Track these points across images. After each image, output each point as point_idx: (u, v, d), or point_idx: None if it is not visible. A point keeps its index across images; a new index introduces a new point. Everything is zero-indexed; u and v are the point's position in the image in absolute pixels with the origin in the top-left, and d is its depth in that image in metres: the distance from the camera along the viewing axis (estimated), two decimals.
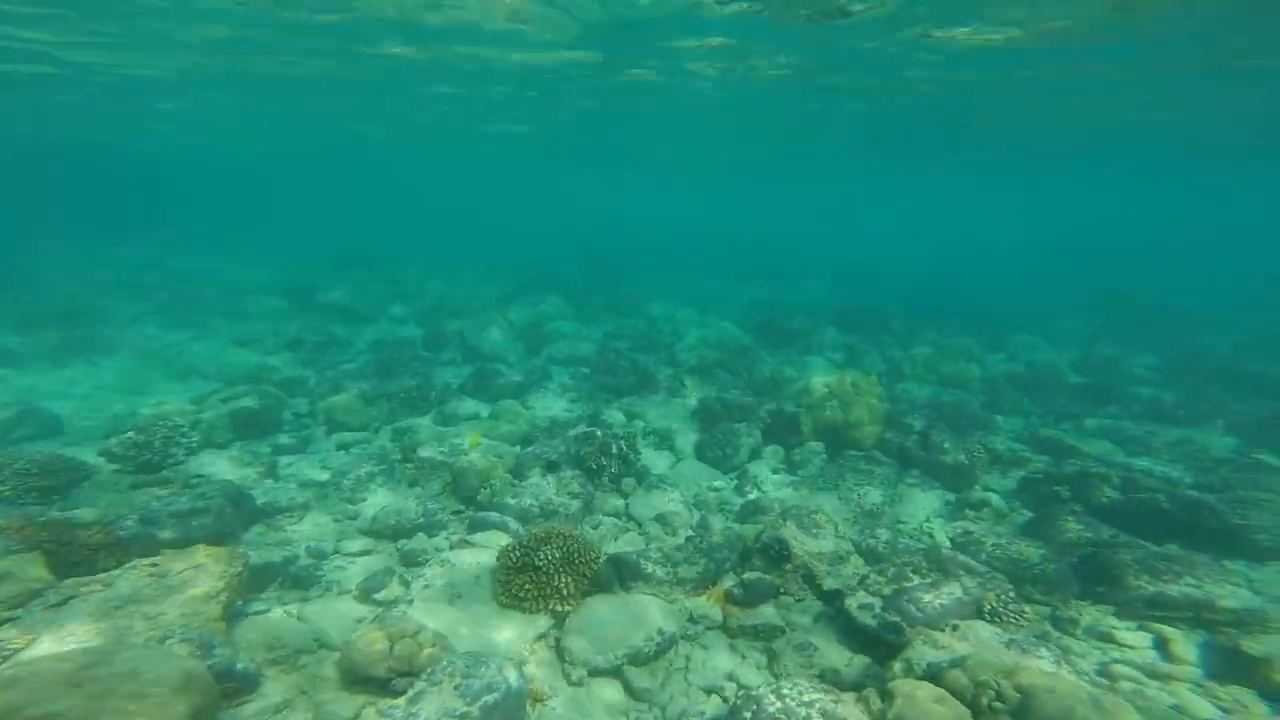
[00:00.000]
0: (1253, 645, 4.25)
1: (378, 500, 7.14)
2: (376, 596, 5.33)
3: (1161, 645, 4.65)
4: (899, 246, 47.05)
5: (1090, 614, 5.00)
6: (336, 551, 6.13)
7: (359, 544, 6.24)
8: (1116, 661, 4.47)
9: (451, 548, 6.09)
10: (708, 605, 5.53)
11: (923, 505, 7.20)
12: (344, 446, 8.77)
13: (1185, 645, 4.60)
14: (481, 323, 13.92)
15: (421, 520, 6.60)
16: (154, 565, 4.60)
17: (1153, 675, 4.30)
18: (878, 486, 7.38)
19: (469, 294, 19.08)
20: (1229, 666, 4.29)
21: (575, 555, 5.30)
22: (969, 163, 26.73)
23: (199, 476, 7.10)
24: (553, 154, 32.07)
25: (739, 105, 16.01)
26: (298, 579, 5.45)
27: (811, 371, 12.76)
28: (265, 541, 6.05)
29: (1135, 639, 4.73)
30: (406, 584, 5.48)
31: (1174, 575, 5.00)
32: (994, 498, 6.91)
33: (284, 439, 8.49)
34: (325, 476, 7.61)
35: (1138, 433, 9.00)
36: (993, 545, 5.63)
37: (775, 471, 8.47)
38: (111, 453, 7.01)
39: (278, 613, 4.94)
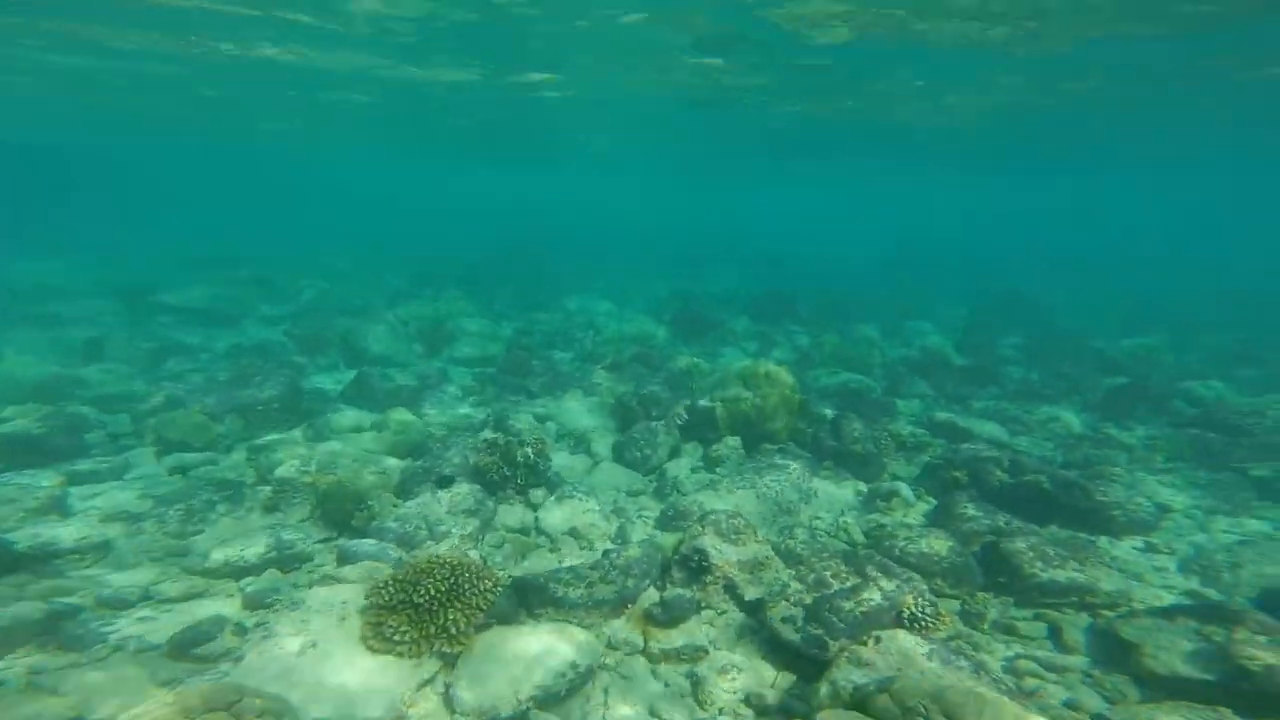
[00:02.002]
0: (1125, 628, 4.46)
1: (217, 533, 5.82)
2: (197, 651, 4.19)
3: (1055, 634, 4.82)
4: (807, 238, 49.74)
5: (994, 607, 5.11)
6: (146, 599, 4.83)
7: (181, 586, 4.98)
8: (1020, 657, 4.54)
9: (311, 585, 5.02)
10: (627, 628, 5.00)
11: (838, 498, 7.17)
12: (180, 470, 7.19)
13: (1074, 632, 4.79)
14: (368, 321, 12.35)
15: (273, 554, 5.43)
16: None
17: (1049, 668, 4.40)
18: (794, 481, 7.25)
19: (356, 292, 17.06)
20: (1110, 653, 4.49)
21: (466, 585, 4.51)
22: (866, 159, 28.51)
23: None
24: (452, 150, 29.95)
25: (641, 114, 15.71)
26: (72, 638, 4.16)
27: (726, 363, 12.74)
28: (23, 595, 4.60)
29: (1033, 629, 4.87)
30: (243, 633, 4.38)
31: (1061, 560, 5.24)
32: (903, 487, 7.04)
33: (86, 466, 6.76)
34: (146, 507, 6.11)
35: (1016, 412, 9.77)
36: (904, 539, 5.63)
37: (694, 470, 8.14)
38: None
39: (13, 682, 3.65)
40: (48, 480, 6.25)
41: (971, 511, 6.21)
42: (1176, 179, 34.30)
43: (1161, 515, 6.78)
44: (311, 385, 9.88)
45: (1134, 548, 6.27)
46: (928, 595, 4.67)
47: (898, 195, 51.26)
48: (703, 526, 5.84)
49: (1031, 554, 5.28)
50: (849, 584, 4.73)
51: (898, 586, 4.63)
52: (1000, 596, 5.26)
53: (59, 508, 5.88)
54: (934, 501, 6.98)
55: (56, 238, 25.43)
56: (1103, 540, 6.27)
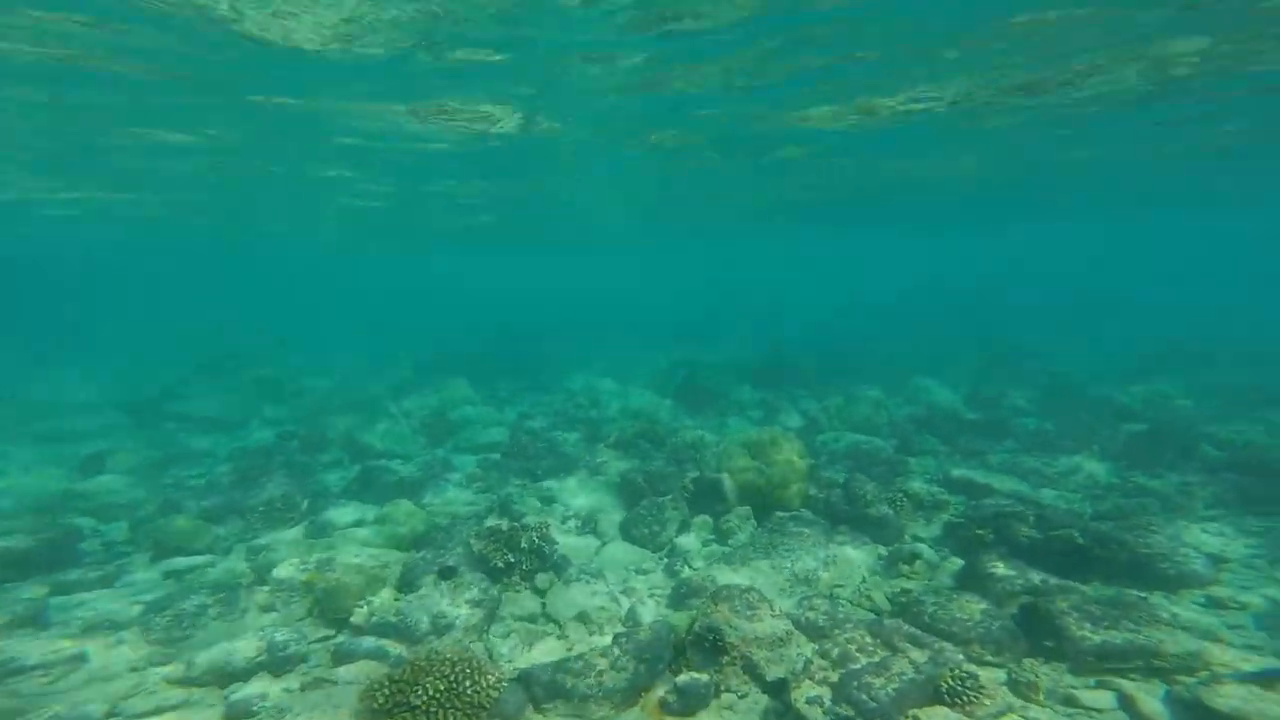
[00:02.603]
0: (1214, 698, 4.01)
1: (207, 637, 5.53)
2: None
3: (1126, 704, 4.33)
4: (804, 298, 50.92)
5: (1046, 675, 4.66)
6: (114, 715, 4.48)
7: (155, 700, 4.62)
8: None
9: (303, 689, 4.68)
10: (642, 718, 4.58)
11: (858, 564, 6.81)
12: (174, 575, 6.98)
13: (1150, 701, 4.31)
14: (370, 417, 12.49)
15: (263, 657, 5.11)
16: None
17: None
18: (810, 549, 6.93)
19: (359, 385, 17.39)
20: None
21: (466, 682, 4.21)
22: (860, 219, 29.88)
23: None
24: (453, 238, 31.78)
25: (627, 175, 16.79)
26: None
27: (732, 433, 12.60)
28: None
29: (1099, 699, 4.39)
30: None
31: (1113, 620, 4.85)
32: (924, 549, 6.70)
33: (75, 575, 6.57)
34: (133, 614, 5.86)
35: (1035, 465, 9.46)
36: (933, 604, 5.27)
37: (705, 544, 7.82)
38: None
39: None
40: (29, 592, 6.06)
41: (1002, 570, 5.85)
42: (1167, 222, 35.61)
43: (1217, 566, 6.33)
44: (315, 483, 9.80)
45: (1195, 603, 5.78)
46: (964, 665, 4.29)
47: (891, 250, 53.07)
48: (716, 603, 5.52)
49: (1077, 614, 4.88)
50: (877, 657, 4.38)
51: (930, 658, 4.28)
52: (1051, 663, 4.81)
53: (36, 621, 5.64)
54: (960, 562, 6.60)
55: (72, 343, 26.38)
56: (1156, 596, 5.82)
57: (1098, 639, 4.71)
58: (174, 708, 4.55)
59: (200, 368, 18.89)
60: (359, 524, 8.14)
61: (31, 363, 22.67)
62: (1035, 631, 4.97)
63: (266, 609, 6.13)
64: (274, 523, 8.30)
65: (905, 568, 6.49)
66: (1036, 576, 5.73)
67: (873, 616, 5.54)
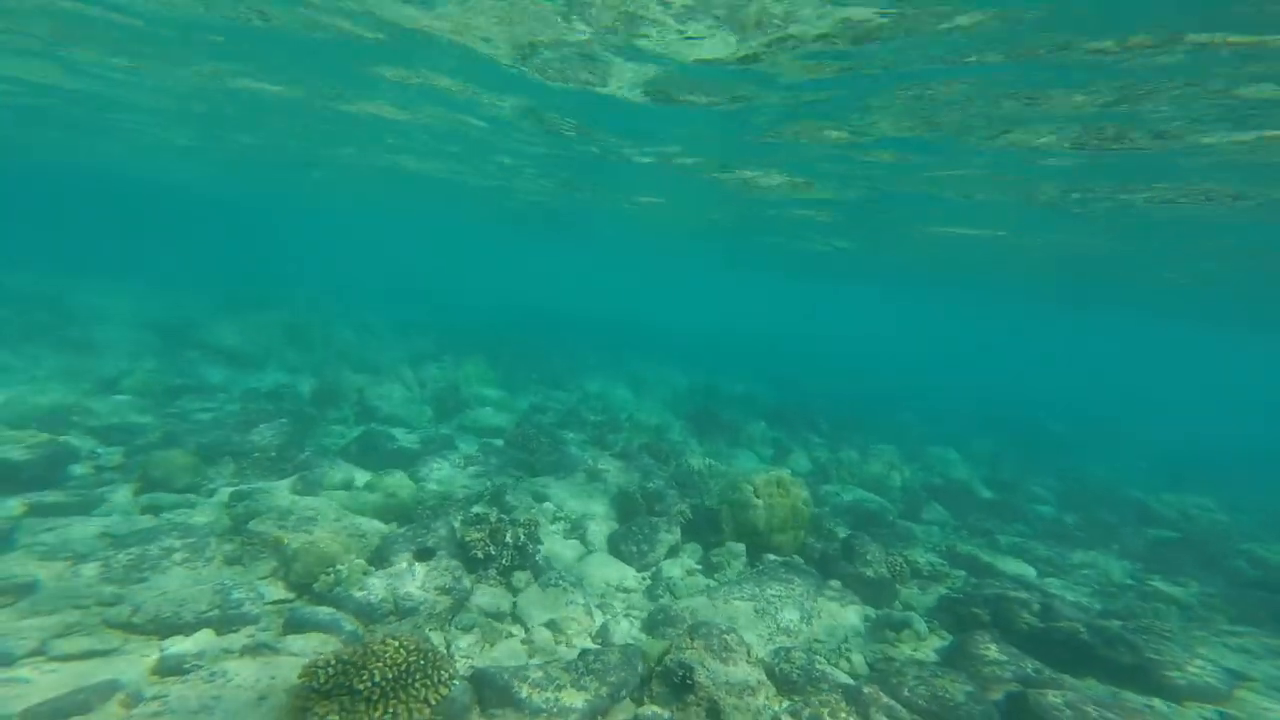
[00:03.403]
0: None
1: (164, 583, 5.44)
2: None
3: None
4: (832, 347, 50.22)
5: None
6: (37, 654, 4.29)
7: (88, 642, 4.44)
8: None
9: (241, 653, 4.52)
10: None
11: (842, 622, 6.47)
12: (154, 510, 6.98)
13: None
14: (384, 380, 12.54)
15: (214, 612, 5.00)
16: None
17: None
18: (797, 599, 6.61)
19: (380, 348, 17.58)
20: None
21: (415, 675, 4.03)
22: (898, 276, 29.42)
23: None
24: (504, 217, 32.24)
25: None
26: None
27: (739, 467, 12.30)
28: None
29: None
30: (134, 704, 3.84)
31: None
32: (915, 619, 6.33)
33: (54, 497, 6.59)
34: (99, 547, 5.83)
35: (1047, 553, 8.98)
36: (914, 679, 4.95)
37: (690, 573, 7.55)
38: None
39: None
40: (6, 509, 6.08)
41: (994, 654, 5.48)
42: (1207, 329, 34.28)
43: (1235, 682, 5.85)
44: (317, 437, 9.81)
45: (1204, 717, 5.33)
46: None
47: (926, 313, 52.09)
48: (692, 639, 5.27)
49: (1070, 712, 4.52)
50: None
51: None
52: None
53: (2, 540, 5.64)
54: (949, 638, 6.22)
55: (120, 261, 27.35)
56: (1157, 703, 5.37)
57: None
58: (102, 653, 4.35)
59: (236, 303, 19.39)
60: (348, 486, 8.08)
61: (80, 270, 23.58)
62: None
63: (232, 562, 6.04)
64: (266, 471, 8.30)
65: (892, 634, 6.14)
66: (1030, 665, 5.36)
67: (849, 680, 5.21)
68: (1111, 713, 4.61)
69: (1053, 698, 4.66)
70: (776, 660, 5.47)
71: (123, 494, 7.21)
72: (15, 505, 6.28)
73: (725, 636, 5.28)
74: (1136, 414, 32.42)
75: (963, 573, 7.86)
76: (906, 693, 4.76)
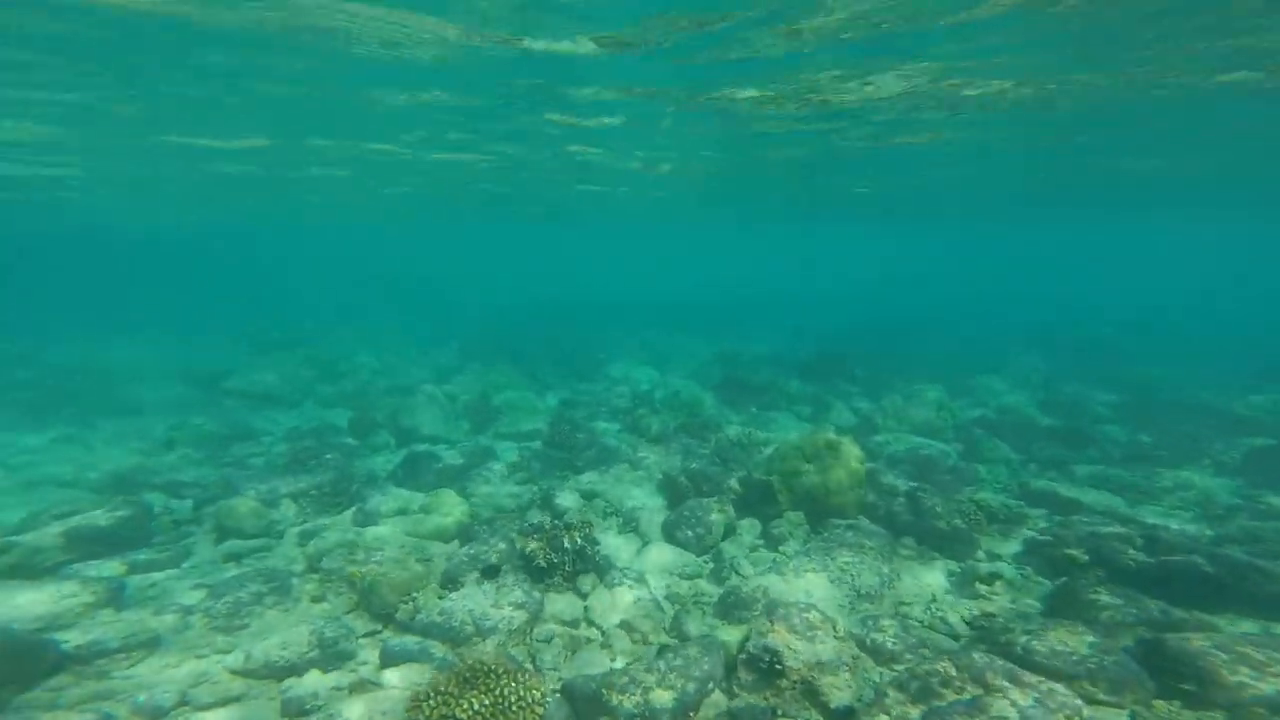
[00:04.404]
0: None
1: (264, 625, 5.61)
2: None
3: None
4: (847, 290, 48.87)
5: None
6: (184, 704, 4.56)
7: (220, 690, 4.72)
8: None
9: (350, 692, 4.63)
10: None
11: (926, 581, 6.25)
12: (235, 557, 7.17)
13: None
14: (417, 401, 12.61)
15: (315, 652, 5.10)
16: None
17: None
18: (871, 563, 6.40)
19: (405, 368, 17.73)
20: None
21: (512, 699, 4.00)
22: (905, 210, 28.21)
23: None
24: (489, 210, 31.89)
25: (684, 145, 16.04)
26: None
27: (781, 432, 12.04)
28: (61, 701, 4.41)
29: None
30: None
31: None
32: (1005, 568, 6.07)
33: (146, 555, 6.82)
34: (198, 598, 6.01)
35: (1131, 479, 8.47)
36: (1024, 633, 4.69)
37: (753, 549, 7.42)
38: None
39: None
40: (110, 570, 6.32)
41: (1106, 598, 5.16)
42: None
43: None
44: (363, 467, 9.93)
45: None
46: (1084, 713, 3.71)
47: (944, 240, 50.05)
48: (771, 621, 5.11)
49: (1225, 655, 4.18)
50: (966, 695, 3.88)
51: (1038, 702, 3.73)
52: (1197, 711, 4.07)
53: (116, 600, 5.85)
54: (1047, 584, 5.93)
55: (143, 317, 28.17)
56: None
57: (1268, 688, 3.98)
58: (236, 699, 4.63)
59: (257, 345, 19.77)
60: (404, 512, 8.15)
61: (111, 331, 24.37)
62: (1167, 671, 4.29)
63: (317, 599, 6.18)
64: (325, 507, 8.43)
65: (984, 587, 5.89)
66: (1155, 606, 5.01)
67: (952, 643, 5.00)
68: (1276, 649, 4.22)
69: (1198, 642, 4.27)
70: (866, 630, 5.30)
71: (204, 544, 7.45)
72: (116, 565, 6.53)
73: (805, 614, 5.11)
74: (1195, 316, 30.47)
75: (1043, 511, 7.51)
76: (1020, 650, 4.51)
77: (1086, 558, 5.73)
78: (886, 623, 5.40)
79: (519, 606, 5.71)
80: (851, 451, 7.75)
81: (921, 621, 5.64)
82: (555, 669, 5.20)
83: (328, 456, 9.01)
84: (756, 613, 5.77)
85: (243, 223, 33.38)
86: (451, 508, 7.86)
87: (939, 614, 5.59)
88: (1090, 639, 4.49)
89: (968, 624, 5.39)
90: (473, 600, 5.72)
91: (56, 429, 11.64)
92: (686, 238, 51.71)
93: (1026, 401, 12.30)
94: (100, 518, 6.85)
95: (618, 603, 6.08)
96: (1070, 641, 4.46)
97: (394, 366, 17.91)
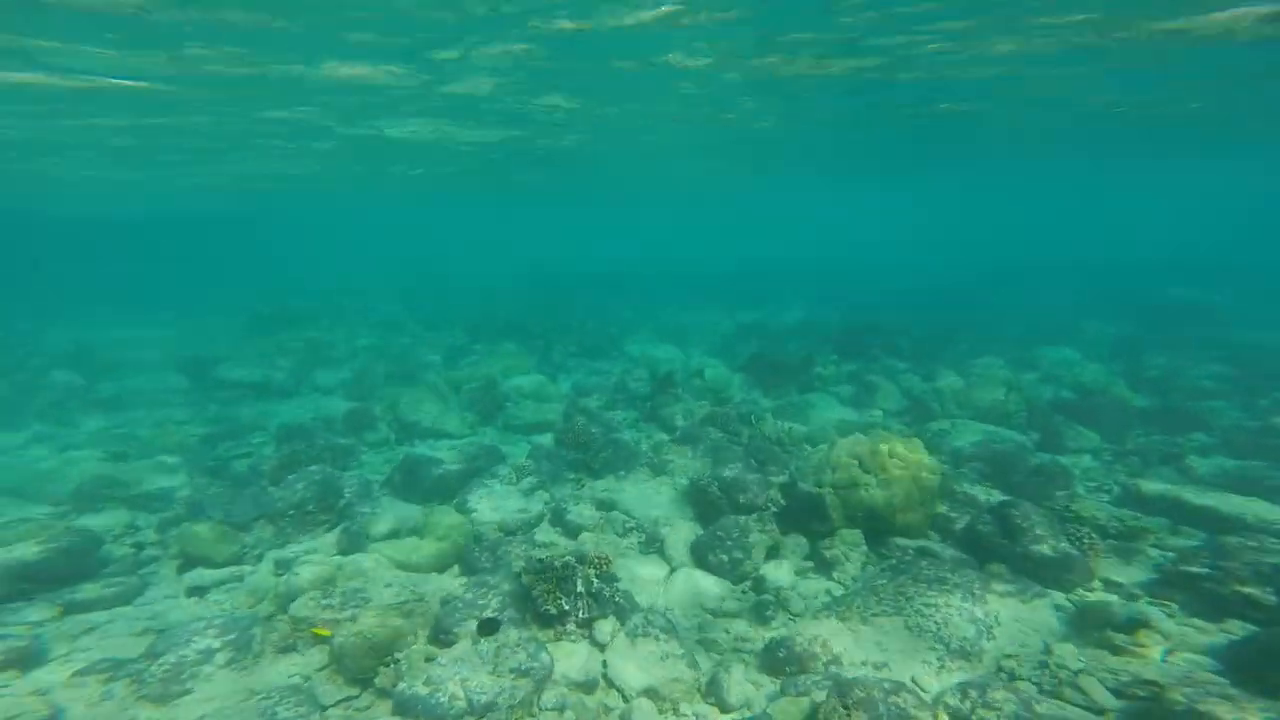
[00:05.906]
0: None
1: (208, 692, 4.62)
2: None
3: None
4: (875, 256, 46.17)
5: None
6: None
7: None
8: None
9: None
10: None
11: (1033, 625, 4.95)
12: (199, 591, 6.26)
13: None
14: (419, 391, 11.52)
15: None
16: None
17: None
18: (958, 602, 5.10)
19: (409, 350, 16.67)
20: None
21: None
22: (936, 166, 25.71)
23: None
24: (503, 185, 30.23)
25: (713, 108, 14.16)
26: None
27: (820, 418, 10.64)
28: None
29: None
30: None
31: None
32: (1149, 609, 4.69)
33: (93, 591, 5.90)
34: (138, 650, 5.07)
35: (1273, 474, 6.91)
36: (1231, 714, 3.37)
37: (801, 575, 6.23)
38: None
39: None
40: (37, 614, 5.40)
41: None
42: None
43: None
44: (354, 472, 8.92)
45: None
46: None
47: (990, 192, 46.36)
48: (846, 707, 3.89)
49: None
50: None
51: None
52: None
53: (24, 660, 4.89)
54: (1213, 630, 4.55)
55: (141, 296, 27.74)
56: None
57: None
58: None
59: (259, 323, 18.89)
60: (395, 534, 7.11)
61: (111, 314, 23.85)
62: None
63: (285, 650, 5.18)
64: (308, 526, 7.45)
65: (1120, 636, 4.53)
66: None
67: None
68: None
69: None
70: (970, 707, 4.06)
71: (165, 574, 6.56)
72: (46, 609, 5.62)
73: (895, 698, 3.88)
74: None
75: (1163, 520, 6.07)
76: None
77: (1275, 598, 4.32)
78: (998, 695, 4.13)
79: (522, 674, 4.59)
80: (920, 459, 6.36)
81: (1037, 684, 4.36)
82: None
83: (313, 468, 7.98)
84: (817, 679, 4.57)
85: (247, 202, 32.35)
86: (449, 530, 6.77)
87: (1068, 677, 4.28)
88: None
89: (1116, 692, 4.06)
90: (467, 666, 4.62)
91: (33, 427, 10.89)
92: (700, 204, 49.16)
93: (1110, 376, 10.59)
94: (28, 550, 5.90)
95: (642, 660, 4.96)
96: None
97: (398, 349, 16.88)
